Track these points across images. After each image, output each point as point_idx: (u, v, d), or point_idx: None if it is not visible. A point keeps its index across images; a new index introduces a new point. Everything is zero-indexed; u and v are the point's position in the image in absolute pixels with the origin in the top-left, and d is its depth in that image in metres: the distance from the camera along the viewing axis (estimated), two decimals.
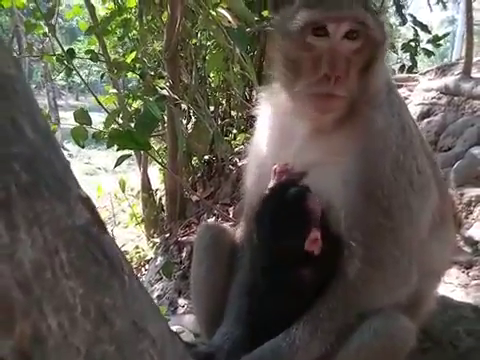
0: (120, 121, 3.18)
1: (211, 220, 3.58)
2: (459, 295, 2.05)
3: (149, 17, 4.80)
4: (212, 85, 5.28)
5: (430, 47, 5.21)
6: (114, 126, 3.06)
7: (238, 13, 3.26)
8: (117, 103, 4.28)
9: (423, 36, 5.32)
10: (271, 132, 1.57)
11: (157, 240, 4.52)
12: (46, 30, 3.48)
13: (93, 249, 0.72)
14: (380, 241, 1.31)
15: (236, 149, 4.56)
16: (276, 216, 1.35)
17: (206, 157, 4.71)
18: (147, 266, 4.52)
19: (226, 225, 1.88)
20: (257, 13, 4.35)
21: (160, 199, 4.85)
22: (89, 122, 3.06)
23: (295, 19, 1.32)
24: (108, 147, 2.91)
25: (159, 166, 4.99)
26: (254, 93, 4.57)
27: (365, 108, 1.35)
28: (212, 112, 4.90)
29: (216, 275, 1.62)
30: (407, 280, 1.36)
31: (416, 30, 5.16)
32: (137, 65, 3.67)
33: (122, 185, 5.69)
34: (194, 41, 4.66)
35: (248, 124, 4.64)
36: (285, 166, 1.45)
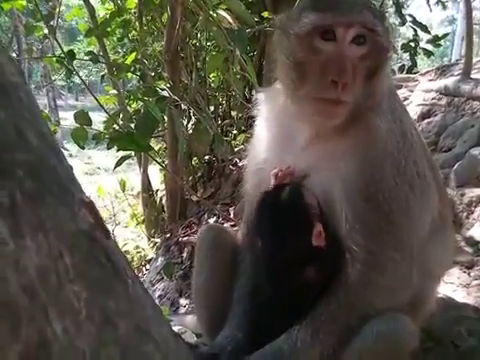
0: (120, 122, 3.17)
1: (212, 221, 3.59)
2: (460, 295, 2.05)
3: (149, 18, 4.81)
4: (212, 86, 5.28)
5: (430, 47, 5.21)
6: (115, 127, 3.06)
7: (238, 14, 3.26)
8: (117, 104, 4.30)
9: (422, 36, 5.32)
10: (271, 135, 1.56)
11: (158, 240, 4.53)
12: (46, 32, 3.48)
13: (97, 253, 0.73)
14: (381, 245, 1.31)
15: (236, 149, 4.57)
16: (277, 219, 1.35)
17: (206, 157, 4.72)
18: (148, 266, 4.53)
19: (227, 226, 1.88)
20: (257, 14, 4.36)
21: (160, 199, 4.85)
22: (89, 123, 3.06)
23: (302, 21, 1.31)
24: (108, 148, 2.92)
25: (159, 166, 5.00)
26: (254, 93, 4.57)
27: (368, 114, 1.35)
28: (212, 112, 4.90)
29: (218, 277, 1.62)
30: (407, 283, 1.36)
31: (416, 30, 5.16)
32: (137, 66, 3.66)
33: (122, 185, 5.70)
34: (194, 42, 4.67)
35: (248, 124, 4.64)
36: (285, 170, 1.45)
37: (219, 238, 1.69)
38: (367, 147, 1.34)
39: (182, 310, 2.96)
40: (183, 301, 3.05)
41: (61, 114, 15.58)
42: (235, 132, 4.96)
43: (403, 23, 5.16)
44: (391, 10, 5.72)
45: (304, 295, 1.35)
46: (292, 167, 1.45)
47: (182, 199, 4.14)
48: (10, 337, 0.49)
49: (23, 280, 0.51)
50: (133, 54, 4.18)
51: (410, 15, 5.24)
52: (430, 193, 1.45)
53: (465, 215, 2.42)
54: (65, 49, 3.43)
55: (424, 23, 5.25)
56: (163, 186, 4.88)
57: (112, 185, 6.49)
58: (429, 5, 5.34)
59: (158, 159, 5.69)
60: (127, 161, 3.22)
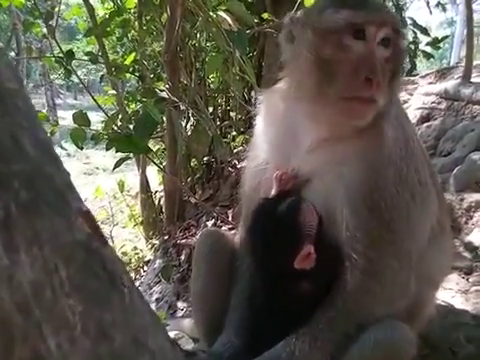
0: (119, 123, 3.16)
1: (211, 223, 3.57)
2: (459, 301, 2.05)
3: (148, 18, 4.79)
4: (211, 87, 5.27)
5: (429, 49, 5.21)
6: (114, 128, 3.04)
7: (238, 15, 3.25)
8: (116, 104, 4.28)
9: (422, 38, 5.32)
10: (274, 136, 1.52)
11: (156, 242, 4.51)
12: (45, 31, 3.47)
13: (93, 264, 0.71)
14: (381, 253, 1.30)
15: (235, 151, 4.56)
16: (267, 230, 1.33)
17: (205, 159, 4.70)
18: (146, 267, 4.51)
19: (226, 231, 1.87)
20: (256, 15, 4.35)
21: (159, 201, 4.83)
22: (88, 124, 3.04)
23: (333, 16, 1.27)
24: (107, 149, 2.90)
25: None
26: (253, 94, 4.56)
27: (378, 119, 1.33)
28: (211, 114, 4.89)
29: (216, 283, 1.61)
30: (405, 292, 1.35)
31: (415, 33, 5.16)
32: (136, 67, 3.65)
33: (121, 186, 5.68)
34: (194, 42, 4.65)
35: (247, 126, 4.63)
36: (288, 173, 1.43)
37: (218, 243, 1.67)
38: (373, 154, 1.32)
39: (180, 313, 2.94)
40: (181, 304, 3.03)
41: (60, 113, 15.53)
42: (234, 133, 4.95)
43: (403, 26, 5.16)
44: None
45: (302, 302, 1.34)
46: (296, 170, 1.42)
47: (180, 201, 4.12)
48: (4, 355, 0.48)
49: (17, 297, 0.50)
50: (132, 54, 4.17)
51: (410, 17, 5.24)
52: (430, 201, 1.44)
53: (464, 220, 2.41)
54: (64, 47, 3.42)
55: (423, 25, 5.25)
56: (161, 187, 4.86)
57: (110, 185, 6.48)
58: (429, 8, 5.34)
59: (157, 160, 5.69)
60: (126, 161, 3.21)
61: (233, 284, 1.59)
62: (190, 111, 4.13)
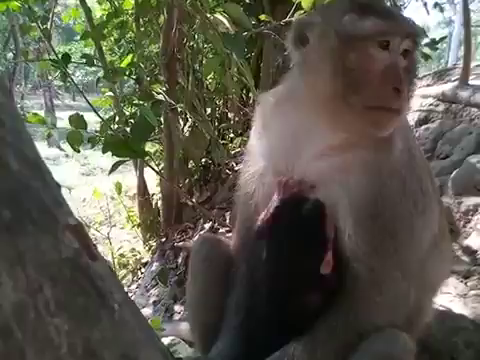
0: (115, 127, 3.14)
1: (208, 226, 3.56)
2: (457, 305, 2.03)
3: (146, 19, 4.78)
4: (209, 89, 5.25)
5: (427, 50, 5.19)
6: (109, 132, 3.03)
7: (235, 18, 3.23)
8: (113, 106, 4.26)
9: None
10: (274, 141, 1.48)
11: (154, 244, 4.50)
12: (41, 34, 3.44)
13: (81, 280, 0.70)
14: (383, 263, 1.29)
15: (233, 153, 4.54)
16: (292, 235, 1.31)
17: (203, 161, 4.68)
18: (143, 269, 4.50)
19: (223, 234, 1.86)
20: (254, 16, 4.34)
21: (156, 203, 4.82)
22: (84, 127, 3.03)
23: (360, 24, 1.24)
24: (103, 153, 2.88)
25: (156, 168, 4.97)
26: (251, 96, 4.54)
27: None
28: (209, 115, 4.87)
29: (212, 290, 1.59)
30: (406, 302, 1.34)
31: None
32: (133, 69, 3.63)
33: (118, 188, 5.66)
34: (191, 44, 4.63)
35: (245, 128, 4.61)
36: (294, 180, 1.40)
37: (213, 249, 1.66)
38: (380, 163, 1.31)
39: (177, 317, 2.93)
40: (178, 307, 3.02)
41: (58, 114, 15.51)
42: (232, 135, 4.93)
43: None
44: None
45: (303, 312, 1.32)
46: (299, 177, 1.40)
47: (178, 203, 4.11)
48: None
49: None
50: (130, 56, 4.15)
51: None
52: (432, 209, 1.43)
53: (462, 224, 2.40)
54: (62, 49, 3.41)
55: (421, 25, 5.24)
56: (159, 189, 4.84)
57: (109, 186, 6.46)
58: (426, 8, 5.34)
59: (155, 161, 5.67)
60: (124, 162, 3.18)
61: (229, 291, 1.58)
62: (188, 114, 4.12)
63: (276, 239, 1.35)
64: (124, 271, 4.88)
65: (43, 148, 12.24)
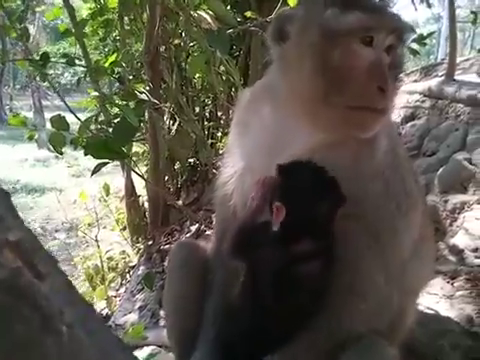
0: (95, 127, 3.07)
1: (194, 228, 3.50)
2: (443, 307, 2.00)
3: (131, 17, 4.70)
4: (197, 86, 5.18)
5: (415, 46, 5.18)
6: (90, 132, 2.96)
7: (219, 15, 3.17)
8: (98, 106, 4.18)
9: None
10: (255, 140, 1.42)
11: (142, 246, 4.43)
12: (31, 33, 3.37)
13: (19, 304, 0.63)
14: (367, 267, 1.24)
15: (221, 151, 4.48)
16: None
17: (191, 160, 4.62)
18: (132, 272, 4.43)
19: (201, 241, 1.80)
20: (241, 13, 4.27)
21: (143, 204, 4.74)
22: (66, 128, 2.96)
23: (342, 19, 1.17)
24: (85, 155, 2.81)
25: (144, 169, 4.89)
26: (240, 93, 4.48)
27: None
28: (197, 114, 4.80)
29: (190, 296, 1.54)
30: (389, 307, 1.30)
31: None
32: (116, 69, 3.56)
33: (106, 189, 5.59)
34: (176, 42, 4.56)
35: None
36: (271, 178, 1.34)
37: (191, 255, 1.61)
38: (363, 164, 1.26)
39: (163, 322, 2.87)
40: (163, 312, 2.96)
41: (47, 114, 15.31)
42: (220, 134, 4.86)
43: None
44: None
45: (282, 322, 1.27)
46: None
47: (164, 205, 4.04)
48: None
49: None
50: (114, 55, 4.06)
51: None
52: (415, 210, 1.38)
53: (449, 222, 2.37)
54: (50, 48, 3.32)
55: (410, 21, 5.20)
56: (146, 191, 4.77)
57: (98, 187, 6.39)
58: (414, 4, 5.30)
59: (143, 161, 5.60)
60: (112, 163, 3.12)
61: (207, 298, 1.52)
62: (173, 113, 4.05)
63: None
64: (113, 274, 4.82)
65: (33, 150, 12.13)
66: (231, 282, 1.39)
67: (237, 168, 1.47)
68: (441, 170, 2.55)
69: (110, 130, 3.11)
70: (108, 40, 5.45)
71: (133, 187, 4.89)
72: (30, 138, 3.64)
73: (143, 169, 5.20)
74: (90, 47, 5.78)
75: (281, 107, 1.34)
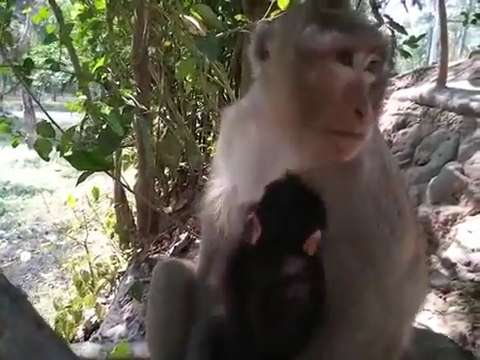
0: (79, 136, 2.99)
1: (184, 236, 3.43)
2: (436, 323, 1.95)
3: (121, 19, 4.61)
4: (187, 89, 5.10)
5: (407, 48, 5.14)
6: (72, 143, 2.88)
7: (206, 20, 3.10)
8: (86, 110, 4.09)
9: (399, 36, 5.25)
10: (239, 161, 1.37)
11: (131, 252, 4.35)
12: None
13: None
14: (361, 294, 1.19)
15: (212, 155, 4.41)
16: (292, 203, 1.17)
17: (180, 165, 4.54)
18: (120, 281, 4.35)
19: (185, 261, 1.74)
20: (232, 16, 4.21)
21: (132, 211, 4.67)
22: (52, 135, 2.88)
23: (318, 38, 1.10)
24: (71, 163, 2.74)
25: (135, 172, 4.82)
26: (231, 97, 4.42)
27: None
28: (187, 118, 4.73)
29: (174, 322, 1.48)
30: (385, 335, 1.24)
31: (393, 31, 5.08)
32: (101, 74, 3.48)
33: (95, 194, 5.52)
34: (166, 45, 4.49)
35: None
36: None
37: (175, 277, 1.55)
38: (352, 186, 1.20)
39: None
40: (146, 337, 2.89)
41: (38, 114, 15.13)
42: (210, 138, 4.80)
43: (380, 24, 5.06)
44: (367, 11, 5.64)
45: (271, 350, 1.21)
46: None
47: (153, 212, 3.96)
48: None
49: None
50: (102, 59, 3.98)
51: (386, 15, 5.14)
52: (408, 230, 1.33)
53: (441, 234, 2.32)
54: (41, 49, 3.23)
55: (401, 21, 5.17)
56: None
57: (90, 189, 6.30)
58: (405, 6, 5.26)
59: (133, 164, 5.51)
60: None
61: (193, 320, 1.46)
62: (161, 119, 3.98)
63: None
64: (102, 280, 4.75)
65: (24, 150, 11.98)
66: (217, 306, 1.34)
67: (223, 188, 1.42)
68: (433, 180, 2.50)
69: (96, 136, 3.05)
70: (97, 42, 5.37)
71: (123, 192, 4.81)
72: (14, 146, 3.55)
73: (134, 172, 5.13)
74: (80, 48, 5.70)
75: (265, 127, 1.29)
